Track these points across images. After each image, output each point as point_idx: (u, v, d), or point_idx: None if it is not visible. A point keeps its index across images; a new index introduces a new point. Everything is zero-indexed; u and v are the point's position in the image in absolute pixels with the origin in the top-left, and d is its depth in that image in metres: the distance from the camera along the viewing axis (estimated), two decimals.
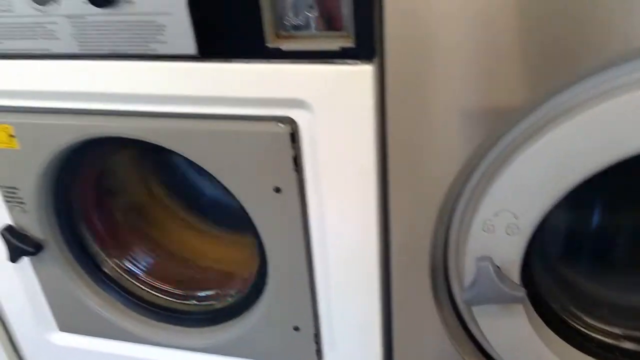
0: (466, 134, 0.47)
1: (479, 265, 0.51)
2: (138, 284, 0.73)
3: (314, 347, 0.67)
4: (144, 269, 0.74)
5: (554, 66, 0.42)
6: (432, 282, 0.58)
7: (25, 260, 0.71)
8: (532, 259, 0.57)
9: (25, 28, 0.53)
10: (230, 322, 0.69)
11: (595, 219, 0.61)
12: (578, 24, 0.40)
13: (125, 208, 0.73)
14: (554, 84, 0.43)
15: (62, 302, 0.74)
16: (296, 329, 0.66)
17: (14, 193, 0.65)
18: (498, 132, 0.48)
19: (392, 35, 0.45)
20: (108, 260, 0.73)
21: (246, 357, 0.70)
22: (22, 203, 0.65)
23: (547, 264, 0.61)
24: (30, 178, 0.63)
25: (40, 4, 0.51)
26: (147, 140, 0.56)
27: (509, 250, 0.52)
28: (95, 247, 0.72)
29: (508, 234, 0.51)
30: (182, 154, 0.56)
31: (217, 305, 0.70)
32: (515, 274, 0.53)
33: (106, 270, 0.73)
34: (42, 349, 0.81)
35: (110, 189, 0.72)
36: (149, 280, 0.73)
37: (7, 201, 0.66)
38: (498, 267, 0.52)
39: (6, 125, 0.60)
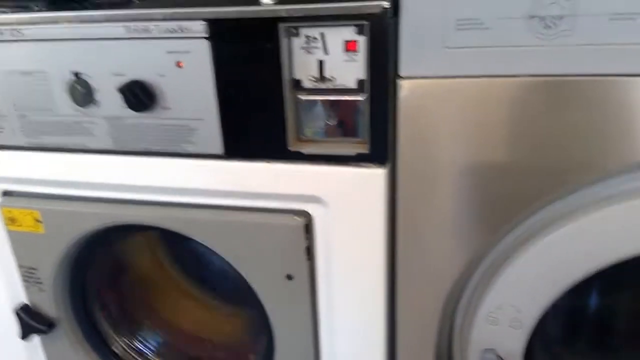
0: (471, 232, 0.51)
1: (485, 357, 0.53)
2: None
3: None
4: (153, 348, 0.74)
5: (552, 179, 0.47)
6: None
7: (35, 338, 0.72)
8: (534, 349, 0.60)
9: (64, 125, 0.57)
10: None
11: (593, 310, 0.64)
12: (566, 147, 0.46)
13: (137, 287, 0.75)
14: (551, 194, 0.48)
15: None
16: None
17: (32, 273, 0.67)
18: (503, 230, 0.52)
19: (404, 144, 0.50)
20: (118, 340, 0.74)
21: None
22: (39, 283, 0.67)
23: (550, 352, 0.64)
24: (50, 260, 0.65)
25: (81, 106, 0.56)
26: (170, 229, 0.59)
27: (512, 343, 0.54)
28: (105, 327, 0.74)
29: (511, 327, 0.54)
30: (202, 242, 0.59)
31: None
32: None
33: (115, 350, 0.74)
34: None
35: (124, 270, 0.74)
36: None
37: (25, 280, 0.68)
38: (502, 358, 0.54)
39: (34, 211, 0.63)
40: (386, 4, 0.45)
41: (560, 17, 0.41)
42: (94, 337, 0.73)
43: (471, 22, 0.43)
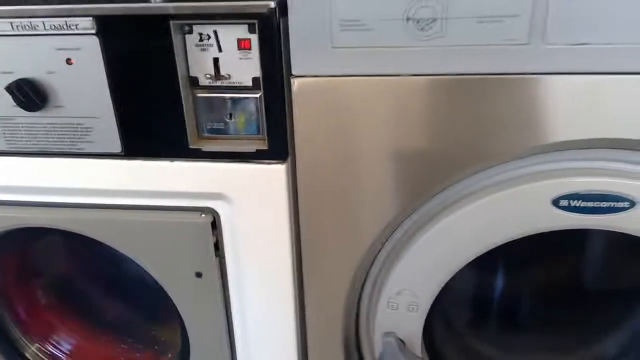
0: (366, 222, 0.54)
1: (385, 340, 0.56)
2: None
3: None
4: (67, 352, 0.73)
5: (443, 170, 0.50)
6: (345, 357, 0.62)
7: None
8: (434, 329, 0.64)
9: None
10: None
11: (487, 290, 0.68)
12: (440, 139, 0.49)
13: (47, 291, 0.73)
14: (441, 184, 0.51)
15: None
16: None
17: None
18: (397, 220, 0.55)
19: (300, 139, 0.51)
20: (30, 346, 0.72)
21: None
22: None
23: (449, 333, 0.68)
24: None
25: None
26: (74, 231, 0.58)
27: (411, 325, 0.58)
28: (17, 333, 0.71)
29: (409, 310, 0.57)
30: (108, 243, 0.58)
31: None
32: (417, 345, 0.58)
33: (27, 355, 0.71)
34: None
35: (34, 273, 0.72)
36: None
37: None
38: (402, 340, 0.58)
39: None
40: (272, 4, 0.46)
41: (433, 20, 0.44)
42: (5, 345, 0.71)
43: (354, 23, 0.45)
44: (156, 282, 0.61)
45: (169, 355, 0.71)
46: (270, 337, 0.61)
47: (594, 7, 0.42)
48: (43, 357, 0.72)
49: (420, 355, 0.58)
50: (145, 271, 0.61)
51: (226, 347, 0.63)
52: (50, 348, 0.73)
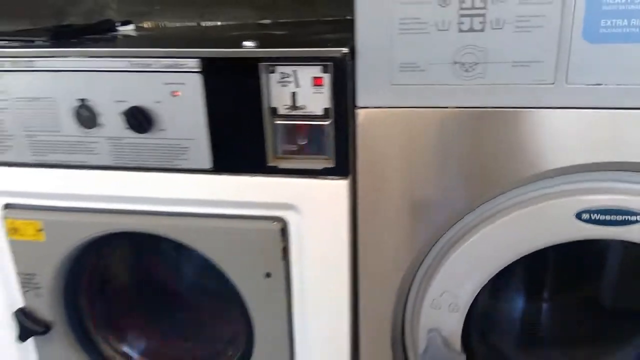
0: (418, 231, 0.63)
1: (429, 336, 0.65)
2: None
3: None
4: (139, 352, 0.82)
5: (474, 187, 0.60)
6: (393, 354, 0.71)
7: (28, 340, 0.78)
8: (471, 332, 0.72)
9: (68, 145, 0.66)
10: None
11: (519, 304, 0.76)
12: (483, 162, 0.58)
13: (123, 295, 0.83)
14: (482, 197, 0.61)
15: None
16: None
17: (31, 279, 0.74)
18: (441, 230, 0.64)
19: (361, 159, 0.61)
20: (106, 344, 0.81)
21: None
22: (37, 288, 0.74)
23: (483, 337, 0.76)
24: (49, 267, 0.73)
25: (86, 128, 0.65)
26: (162, 236, 0.68)
27: (452, 324, 0.66)
28: (95, 330, 0.81)
29: (450, 310, 0.65)
30: (191, 246, 0.68)
31: None
32: (457, 343, 0.67)
33: (104, 353, 0.80)
34: None
35: (112, 277, 0.82)
36: None
37: (24, 285, 0.74)
38: (444, 337, 0.66)
39: (36, 221, 0.70)
40: (345, 50, 0.57)
41: (476, 64, 0.54)
42: (85, 340, 0.80)
43: (411, 65, 0.56)
44: (222, 285, 0.70)
45: (230, 354, 0.80)
46: (326, 332, 0.70)
47: (607, 55, 0.52)
48: (117, 355, 0.82)
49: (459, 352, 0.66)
50: (210, 275, 0.70)
51: (287, 341, 0.71)
52: (125, 347, 0.82)
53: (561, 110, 0.55)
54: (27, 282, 0.74)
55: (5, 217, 0.71)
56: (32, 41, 0.69)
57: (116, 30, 0.87)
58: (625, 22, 0.51)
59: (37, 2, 1.02)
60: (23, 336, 0.75)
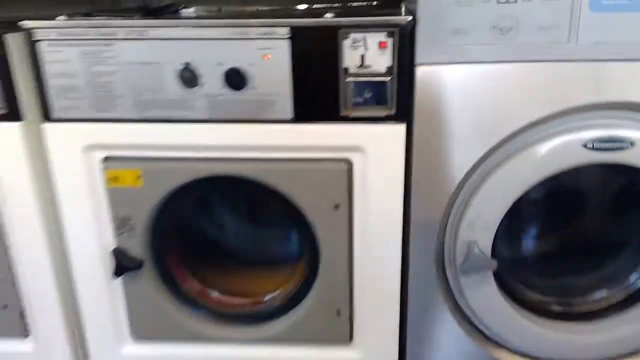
0: (457, 165, 0.80)
1: (470, 245, 0.82)
2: (212, 303, 0.95)
3: (348, 328, 0.92)
4: (218, 291, 0.95)
5: (509, 126, 0.77)
6: (436, 268, 0.87)
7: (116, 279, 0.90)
8: (497, 250, 0.89)
9: (170, 102, 0.79)
10: (286, 315, 0.92)
11: (535, 230, 0.95)
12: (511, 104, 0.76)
13: (204, 235, 0.96)
14: (509, 135, 0.78)
15: (144, 312, 0.92)
16: (338, 313, 0.91)
17: (127, 221, 0.86)
18: (475, 165, 0.81)
19: (418, 108, 0.77)
20: (187, 281, 0.94)
21: (296, 343, 0.93)
22: (132, 230, 0.86)
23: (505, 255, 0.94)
24: (144, 209, 0.85)
25: (188, 87, 0.77)
26: (249, 178, 0.82)
27: (484, 240, 0.83)
28: (177, 270, 0.93)
29: (483, 228, 0.83)
30: (274, 187, 0.82)
31: (279, 302, 0.94)
32: (488, 254, 0.84)
33: (184, 290, 0.93)
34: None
35: (193, 222, 0.94)
36: (222, 298, 0.95)
37: (118, 228, 0.86)
38: (479, 248, 0.83)
39: (136, 169, 0.82)
40: (409, 18, 0.72)
41: (510, 28, 0.71)
42: (167, 278, 0.93)
43: (460, 30, 0.72)
44: (292, 221, 0.85)
45: (299, 276, 0.94)
46: (381, 252, 0.86)
47: (607, 22, 0.70)
48: (197, 291, 0.95)
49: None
50: (280, 213, 0.85)
51: (347, 263, 0.87)
52: (205, 287, 0.95)
53: (573, 62, 0.73)
54: (122, 225, 0.86)
55: (107, 168, 0.83)
56: (132, 16, 0.81)
57: (180, 12, 0.99)
58: None
59: None
60: (118, 272, 0.87)
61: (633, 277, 0.93)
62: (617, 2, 0.70)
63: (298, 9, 1.04)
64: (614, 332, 0.91)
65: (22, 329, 0.95)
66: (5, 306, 0.93)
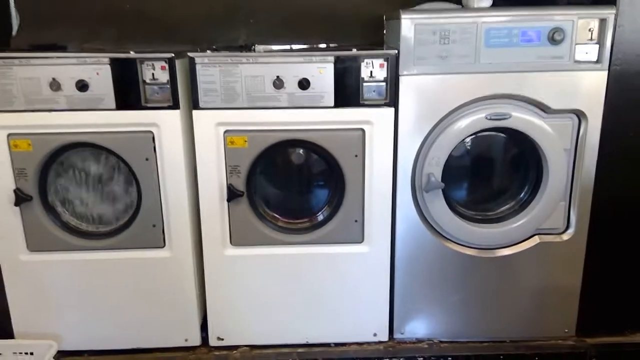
0: (426, 127, 1.48)
1: (429, 175, 1.50)
2: (279, 222, 1.58)
3: (361, 231, 1.57)
4: (279, 213, 1.59)
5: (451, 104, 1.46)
6: (412, 194, 1.55)
7: (224, 206, 1.51)
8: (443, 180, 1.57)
9: (266, 97, 1.43)
10: (325, 226, 1.57)
11: (465, 172, 1.64)
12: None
13: (274, 178, 1.59)
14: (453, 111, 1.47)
15: (241, 226, 1.54)
16: (356, 221, 1.56)
17: (237, 168, 1.48)
18: (433, 128, 1.49)
19: (402, 100, 1.45)
20: (262, 208, 1.57)
21: (331, 243, 1.57)
22: (239, 173, 1.48)
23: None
24: (247, 161, 1.47)
25: (277, 89, 1.42)
26: (309, 140, 1.46)
27: (437, 172, 1.51)
28: (259, 200, 1.56)
29: (436, 165, 1.51)
30: (321, 145, 1.46)
31: (322, 217, 1.58)
32: (439, 180, 1.52)
33: (261, 213, 1.56)
34: (219, 259, 1.57)
35: (269, 170, 1.58)
36: (285, 219, 1.59)
37: (231, 172, 1.48)
38: (435, 177, 1.51)
39: (244, 136, 1.45)
40: (395, 51, 1.41)
41: (446, 56, 1.41)
42: (255, 206, 1.55)
43: (421, 57, 1.41)
44: (326, 168, 1.51)
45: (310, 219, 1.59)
46: (379, 186, 1.52)
47: (495, 52, 1.42)
48: (269, 216, 1.58)
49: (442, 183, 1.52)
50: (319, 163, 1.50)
51: (361, 191, 1.52)
52: (272, 211, 1.58)
53: (478, 74, 1.43)
54: (233, 170, 1.48)
55: (227, 136, 1.45)
56: (243, 50, 1.45)
57: (255, 48, 1.65)
58: (504, 36, 1.40)
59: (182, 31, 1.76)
60: (230, 198, 1.49)
61: (522, 194, 1.64)
62: (499, 41, 1.41)
63: (337, 46, 1.73)
64: (511, 226, 1.61)
65: (162, 241, 1.54)
66: (154, 225, 1.52)
